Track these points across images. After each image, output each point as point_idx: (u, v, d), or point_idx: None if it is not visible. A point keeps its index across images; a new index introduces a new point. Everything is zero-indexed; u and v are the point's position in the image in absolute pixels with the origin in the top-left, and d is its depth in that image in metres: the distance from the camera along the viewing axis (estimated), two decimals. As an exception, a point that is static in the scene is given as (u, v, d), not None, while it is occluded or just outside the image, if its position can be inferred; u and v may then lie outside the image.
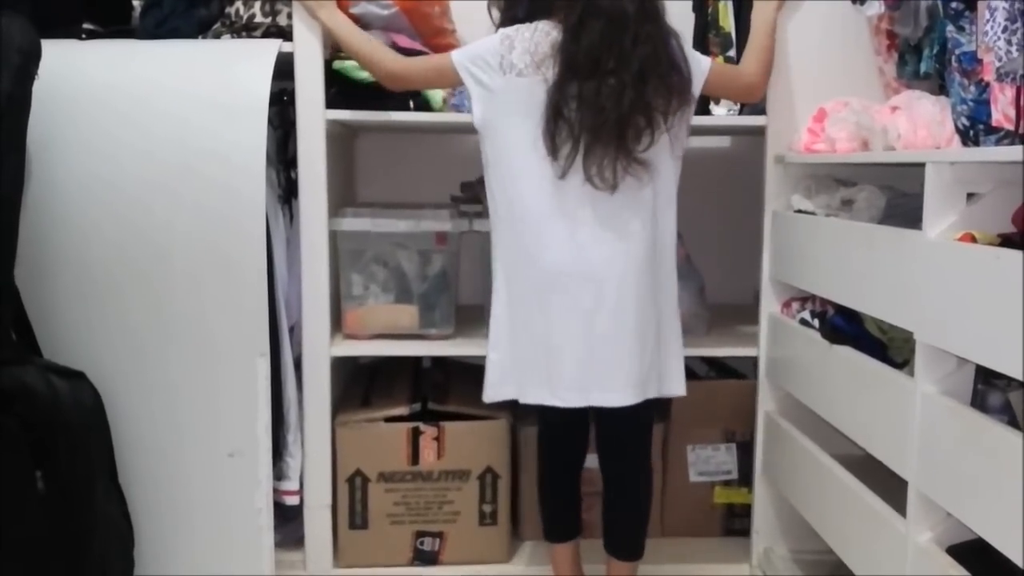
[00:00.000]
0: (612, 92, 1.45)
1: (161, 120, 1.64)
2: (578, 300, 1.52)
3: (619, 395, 1.54)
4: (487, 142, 1.56)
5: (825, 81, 1.77)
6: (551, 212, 1.51)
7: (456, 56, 1.56)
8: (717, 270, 2.11)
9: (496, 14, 1.60)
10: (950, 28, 1.42)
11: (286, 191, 1.84)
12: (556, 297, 1.52)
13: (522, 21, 1.54)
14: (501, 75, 1.51)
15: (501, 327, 1.58)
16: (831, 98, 1.73)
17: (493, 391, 1.60)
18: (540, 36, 1.50)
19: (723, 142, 2.34)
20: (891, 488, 1.32)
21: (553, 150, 1.48)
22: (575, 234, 1.51)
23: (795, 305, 1.76)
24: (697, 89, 1.57)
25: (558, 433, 1.73)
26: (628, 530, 1.70)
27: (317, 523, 1.84)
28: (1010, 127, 1.33)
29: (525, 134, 1.49)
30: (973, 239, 1.16)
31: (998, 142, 1.34)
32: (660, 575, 1.88)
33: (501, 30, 1.54)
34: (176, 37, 1.74)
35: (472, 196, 2.05)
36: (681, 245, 2.00)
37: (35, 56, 1.43)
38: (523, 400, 1.58)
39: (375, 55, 1.67)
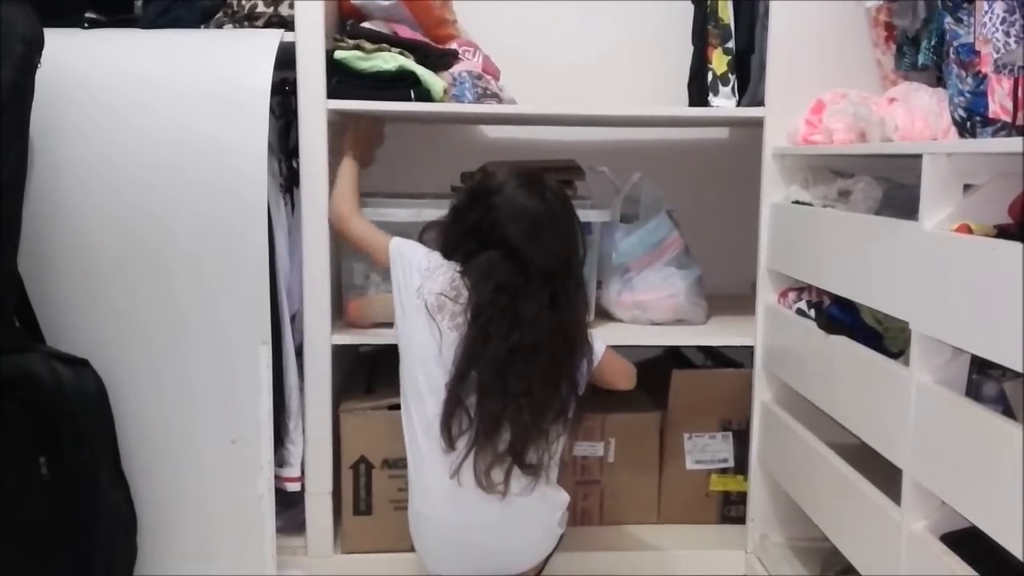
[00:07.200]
0: (514, 409, 1.43)
1: (163, 109, 1.64)
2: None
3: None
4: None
5: (823, 73, 1.77)
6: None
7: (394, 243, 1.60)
8: (714, 260, 2.12)
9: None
10: (948, 20, 1.42)
11: (288, 180, 1.84)
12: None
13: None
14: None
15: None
16: (829, 89, 1.74)
17: None
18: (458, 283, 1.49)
19: (721, 133, 2.35)
20: (886, 477, 1.33)
21: (449, 441, 1.45)
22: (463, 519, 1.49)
23: (792, 295, 1.77)
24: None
25: None
26: None
27: (318, 509, 1.85)
28: (1007, 119, 1.34)
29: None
30: (969, 230, 1.16)
31: (995, 133, 1.35)
32: (656, 561, 1.90)
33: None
34: (178, 27, 1.74)
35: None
36: (679, 235, 2.02)
37: (38, 45, 1.43)
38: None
39: (343, 198, 1.75)
